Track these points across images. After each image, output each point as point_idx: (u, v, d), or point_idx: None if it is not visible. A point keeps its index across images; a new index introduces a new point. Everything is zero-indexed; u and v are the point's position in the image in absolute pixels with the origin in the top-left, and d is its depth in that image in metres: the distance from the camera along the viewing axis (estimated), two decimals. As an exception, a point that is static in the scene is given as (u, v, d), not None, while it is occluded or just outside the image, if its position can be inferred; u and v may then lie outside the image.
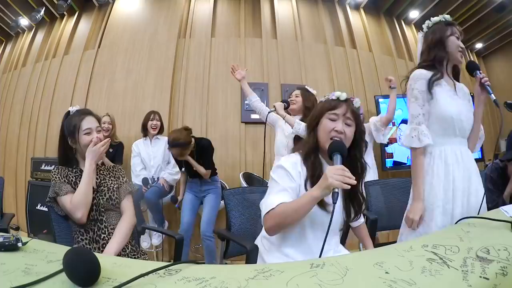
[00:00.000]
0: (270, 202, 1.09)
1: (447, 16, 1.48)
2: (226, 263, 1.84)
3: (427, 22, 1.50)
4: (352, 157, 1.14)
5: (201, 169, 2.63)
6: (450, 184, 1.38)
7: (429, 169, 1.40)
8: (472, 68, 1.45)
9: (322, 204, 1.08)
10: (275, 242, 1.19)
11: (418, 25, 4.86)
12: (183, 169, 2.86)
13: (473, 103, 1.51)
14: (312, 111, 1.27)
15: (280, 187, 1.11)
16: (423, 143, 1.38)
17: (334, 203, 0.95)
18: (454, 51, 1.42)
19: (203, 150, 2.67)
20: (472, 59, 5.42)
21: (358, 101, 1.24)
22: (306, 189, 1.11)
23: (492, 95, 1.39)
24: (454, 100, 1.42)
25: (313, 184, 1.09)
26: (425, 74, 1.41)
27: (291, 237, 1.15)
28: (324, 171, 1.05)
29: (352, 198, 1.18)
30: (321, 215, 1.10)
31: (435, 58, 1.43)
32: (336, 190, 0.96)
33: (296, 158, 1.17)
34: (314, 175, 1.11)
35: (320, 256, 0.93)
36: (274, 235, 1.13)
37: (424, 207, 1.38)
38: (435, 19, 1.48)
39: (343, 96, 1.19)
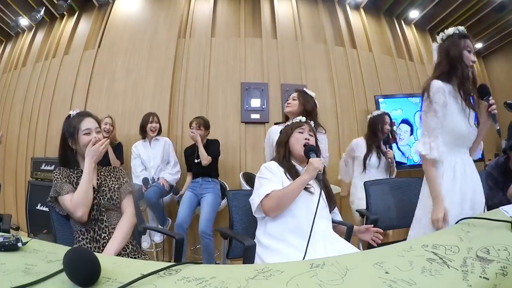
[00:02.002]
0: (262, 191, 1.41)
1: (461, 28, 1.50)
2: (230, 263, 1.85)
3: (441, 34, 1.53)
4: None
5: (203, 153, 2.80)
6: (457, 192, 1.44)
7: (439, 176, 1.46)
8: (484, 93, 1.49)
9: (306, 188, 1.45)
10: (269, 229, 1.43)
11: (418, 25, 4.86)
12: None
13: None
14: (282, 132, 1.68)
15: (265, 180, 1.46)
16: (433, 155, 1.44)
17: (320, 180, 1.39)
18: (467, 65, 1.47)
19: (212, 143, 2.98)
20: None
21: (312, 123, 1.72)
22: (287, 178, 1.48)
23: (497, 124, 1.49)
24: (464, 114, 1.47)
25: (291, 175, 1.49)
26: (443, 87, 1.44)
27: (283, 216, 1.41)
28: (298, 170, 1.54)
29: (326, 188, 1.58)
30: (306, 197, 1.43)
31: (462, 74, 1.45)
32: (320, 172, 1.39)
33: (274, 162, 1.57)
34: (291, 172, 1.51)
35: (312, 226, 1.23)
36: (272, 215, 1.41)
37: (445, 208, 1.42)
38: (449, 31, 1.51)
39: (304, 119, 1.69)
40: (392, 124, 2.85)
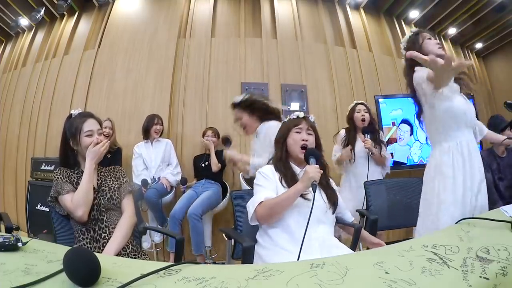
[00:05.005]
0: (257, 198, 1.39)
1: (413, 29, 1.60)
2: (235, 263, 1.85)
3: (401, 45, 1.63)
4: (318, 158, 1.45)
5: (215, 159, 3.02)
6: (468, 175, 1.45)
7: (450, 165, 1.46)
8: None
9: (302, 195, 1.37)
10: (267, 230, 1.41)
11: (418, 25, 4.85)
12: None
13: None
14: (280, 129, 1.59)
15: (260, 187, 1.43)
16: None
17: (314, 191, 1.26)
18: (434, 49, 1.49)
19: (222, 152, 3.08)
20: (471, 59, 5.41)
21: (313, 117, 1.60)
22: (282, 185, 1.42)
23: None
24: (460, 95, 1.50)
25: (286, 182, 1.42)
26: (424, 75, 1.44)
27: (279, 223, 1.37)
28: (295, 172, 1.46)
29: (328, 189, 1.49)
30: (302, 204, 1.36)
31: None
32: (315, 182, 1.28)
33: (270, 166, 1.52)
34: (287, 175, 1.44)
35: (303, 237, 1.17)
36: (265, 224, 1.39)
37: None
38: (404, 38, 1.62)
39: (302, 114, 1.57)
40: (370, 111, 2.70)
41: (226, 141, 2.94)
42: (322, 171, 1.35)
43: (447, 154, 1.46)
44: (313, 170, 1.31)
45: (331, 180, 1.56)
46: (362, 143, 2.56)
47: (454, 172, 1.44)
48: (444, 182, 1.45)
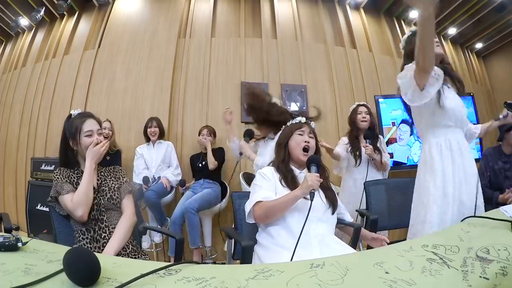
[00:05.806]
0: (254, 198, 1.42)
1: (412, 29, 1.60)
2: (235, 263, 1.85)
3: (400, 44, 1.71)
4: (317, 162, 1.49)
5: (211, 158, 3.02)
6: (458, 169, 1.47)
7: (438, 160, 1.48)
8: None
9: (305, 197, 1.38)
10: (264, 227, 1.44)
11: (418, 25, 4.85)
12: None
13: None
14: (282, 132, 1.65)
15: (258, 187, 1.46)
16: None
17: (312, 199, 1.28)
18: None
19: (219, 150, 3.18)
20: (472, 59, 5.41)
21: (313, 124, 1.66)
22: (282, 185, 1.45)
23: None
24: (451, 93, 1.53)
25: (286, 183, 1.45)
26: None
27: (279, 220, 1.40)
28: (295, 175, 1.49)
29: (327, 190, 1.52)
30: (302, 204, 1.37)
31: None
32: (313, 190, 1.30)
33: (270, 167, 1.55)
34: (287, 178, 1.47)
35: (300, 235, 1.20)
36: (262, 223, 1.42)
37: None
38: (403, 38, 1.69)
39: (303, 119, 1.64)
40: (371, 113, 2.69)
41: (248, 133, 2.66)
42: (322, 180, 1.37)
43: (436, 149, 1.49)
44: (312, 179, 1.32)
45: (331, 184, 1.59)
46: (364, 149, 2.56)
47: (443, 167, 1.46)
48: (433, 176, 1.47)
